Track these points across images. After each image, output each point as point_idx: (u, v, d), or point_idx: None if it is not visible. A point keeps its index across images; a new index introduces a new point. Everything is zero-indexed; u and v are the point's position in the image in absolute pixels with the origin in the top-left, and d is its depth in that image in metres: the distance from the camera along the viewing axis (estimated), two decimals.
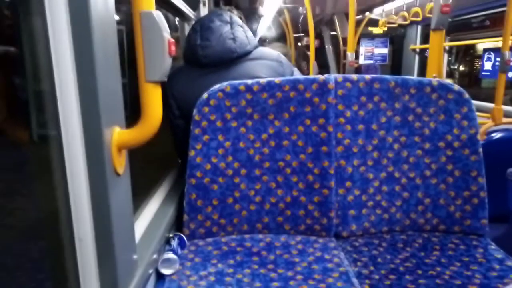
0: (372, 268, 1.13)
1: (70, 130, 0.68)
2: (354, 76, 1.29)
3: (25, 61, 0.72)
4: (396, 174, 1.31)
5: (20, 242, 0.86)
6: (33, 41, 0.69)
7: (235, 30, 1.41)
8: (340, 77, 1.28)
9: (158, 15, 0.70)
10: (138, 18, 0.70)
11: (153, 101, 0.75)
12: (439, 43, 1.58)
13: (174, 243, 1.16)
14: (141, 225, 1.07)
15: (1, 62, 0.76)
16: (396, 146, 1.31)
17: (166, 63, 0.72)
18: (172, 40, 0.73)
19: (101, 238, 0.74)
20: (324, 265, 1.13)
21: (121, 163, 0.77)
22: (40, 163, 0.78)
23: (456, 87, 1.27)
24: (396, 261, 1.16)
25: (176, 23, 2.20)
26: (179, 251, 1.16)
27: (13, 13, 0.78)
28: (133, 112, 0.88)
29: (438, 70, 1.69)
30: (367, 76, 1.28)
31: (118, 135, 0.74)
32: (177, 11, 1.91)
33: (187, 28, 2.16)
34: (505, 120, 2.30)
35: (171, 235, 1.21)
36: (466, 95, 1.27)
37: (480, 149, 1.28)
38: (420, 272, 1.10)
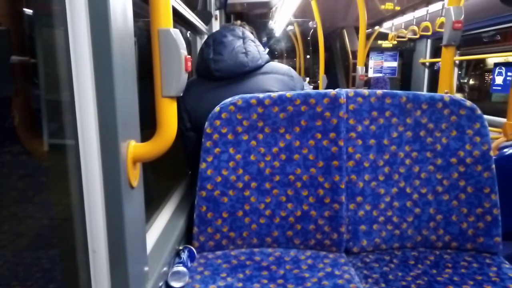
0: (383, 285, 1.12)
1: (87, 143, 0.70)
2: (366, 91, 1.29)
3: (46, 75, 0.75)
4: (408, 190, 1.30)
5: (33, 252, 0.87)
6: (54, 55, 0.72)
7: (247, 44, 1.43)
8: (351, 91, 1.29)
9: (176, 33, 0.72)
10: (156, 35, 0.71)
11: (168, 116, 0.76)
12: (451, 58, 1.58)
13: (184, 255, 1.16)
14: (151, 237, 1.08)
15: (23, 75, 0.78)
16: (407, 161, 1.30)
17: (182, 79, 0.74)
18: (189, 56, 0.75)
19: (114, 250, 0.74)
20: (334, 281, 1.12)
21: (135, 176, 0.78)
22: (57, 173, 0.80)
23: (469, 103, 1.27)
24: (408, 278, 1.15)
25: (188, 36, 2.24)
26: (189, 264, 1.16)
27: (35, 27, 0.81)
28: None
29: (450, 86, 1.69)
30: (379, 91, 1.29)
31: (133, 148, 0.76)
32: (190, 26, 1.95)
33: (199, 42, 2.20)
34: None
35: (181, 248, 1.21)
36: (479, 111, 1.26)
37: (493, 166, 1.26)
38: None
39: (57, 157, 0.79)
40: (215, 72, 1.39)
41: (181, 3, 1.59)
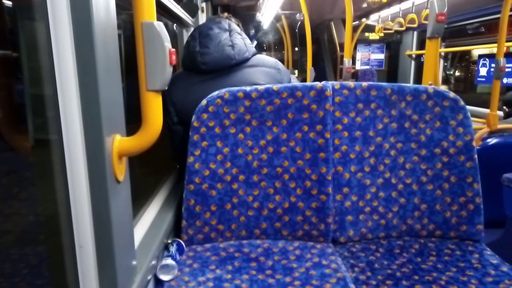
0: (369, 273, 1.14)
1: (71, 138, 0.69)
2: (351, 84, 1.30)
3: (27, 68, 0.73)
4: (393, 180, 1.33)
5: (19, 248, 0.87)
6: (36, 49, 0.70)
7: (234, 37, 1.43)
8: (337, 84, 1.30)
9: (160, 26, 0.71)
10: (140, 28, 0.71)
11: (153, 110, 0.76)
12: (435, 50, 1.60)
13: (173, 249, 1.17)
14: (140, 231, 1.08)
15: (4, 69, 0.77)
16: (392, 152, 1.32)
17: (167, 73, 0.73)
18: (173, 49, 0.74)
19: (101, 245, 0.74)
20: (321, 270, 1.14)
21: (121, 170, 0.78)
22: (42, 169, 0.79)
23: (452, 94, 1.29)
24: (393, 266, 1.17)
25: (175, 29, 2.22)
26: (178, 257, 1.17)
27: (16, 19, 0.79)
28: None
29: (434, 77, 1.71)
30: (364, 84, 1.30)
31: (118, 142, 0.75)
32: (176, 18, 1.93)
33: (185, 34, 2.18)
34: (500, 126, 2.33)
35: (169, 241, 1.22)
36: (462, 102, 1.29)
37: (476, 156, 1.29)
38: (416, 277, 1.11)
39: (41, 152, 0.78)
40: (201, 65, 1.39)
41: None
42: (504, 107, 2.94)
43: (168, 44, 0.73)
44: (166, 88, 0.76)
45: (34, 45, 0.70)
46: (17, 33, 0.74)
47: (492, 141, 2.14)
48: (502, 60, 2.25)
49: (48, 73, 0.68)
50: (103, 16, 0.69)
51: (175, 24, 2.15)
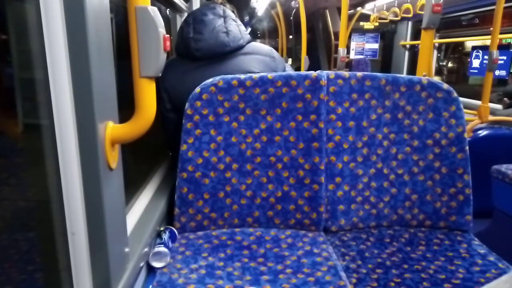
0: (359, 262, 1.16)
1: (63, 125, 0.68)
2: (346, 73, 1.30)
3: (18, 52, 0.72)
4: (385, 171, 1.34)
5: (10, 234, 0.86)
6: (26, 32, 0.69)
7: (228, 24, 1.41)
8: (332, 74, 1.29)
9: (154, 11, 0.70)
10: (133, 13, 0.69)
11: (147, 96, 0.75)
12: (430, 41, 1.60)
13: (165, 236, 1.17)
14: (132, 218, 1.08)
15: None
16: (385, 143, 1.33)
17: (161, 59, 0.72)
18: (167, 35, 0.73)
19: (93, 232, 0.74)
20: (313, 259, 1.15)
21: (114, 157, 0.77)
22: (33, 155, 0.78)
23: (446, 86, 1.29)
24: (383, 255, 1.19)
25: (168, 14, 2.18)
26: (170, 245, 1.17)
27: (6, 2, 0.77)
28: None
29: (428, 68, 1.71)
30: (359, 74, 1.30)
31: (111, 129, 0.74)
32: (169, 3, 1.89)
33: (179, 20, 2.14)
34: (491, 118, 2.36)
35: (162, 229, 1.22)
36: (455, 94, 1.29)
37: (467, 147, 1.31)
38: (406, 266, 1.13)
39: (32, 138, 0.76)
40: (195, 52, 1.37)
41: None
42: (505, 99, 2.97)
43: (162, 29, 0.72)
44: (160, 74, 0.75)
45: (24, 28, 0.68)
46: (6, 16, 0.72)
47: (482, 132, 2.16)
48: (495, 52, 2.26)
49: (39, 57, 0.66)
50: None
51: (168, 9, 2.11)
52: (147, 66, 0.72)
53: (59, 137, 0.69)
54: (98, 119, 0.70)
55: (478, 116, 2.35)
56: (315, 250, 1.20)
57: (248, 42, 1.45)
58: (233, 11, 1.53)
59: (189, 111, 1.24)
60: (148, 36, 0.71)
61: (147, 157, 1.70)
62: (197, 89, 1.24)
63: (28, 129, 0.76)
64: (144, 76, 0.73)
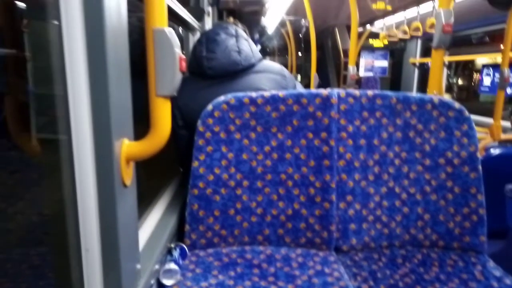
0: (371, 283, 1.14)
1: (81, 141, 0.70)
2: (357, 92, 1.31)
3: (41, 72, 0.74)
4: (397, 189, 1.33)
5: (25, 249, 0.87)
6: (49, 53, 0.71)
7: (240, 43, 1.43)
8: (343, 92, 1.30)
9: (170, 32, 0.72)
10: (151, 35, 0.72)
11: (162, 115, 0.76)
12: (440, 61, 1.61)
13: (176, 253, 1.17)
14: (143, 234, 1.08)
15: (19, 73, 0.77)
16: (397, 161, 1.32)
17: (177, 79, 0.74)
18: (183, 56, 0.75)
19: (107, 248, 0.75)
20: (324, 279, 1.13)
21: (129, 174, 0.78)
22: (50, 171, 0.80)
23: (457, 105, 1.29)
24: (396, 276, 1.17)
25: (180, 32, 2.23)
26: (180, 262, 1.17)
27: (30, 21, 0.80)
28: None
29: (439, 87, 1.71)
30: (370, 92, 1.31)
31: (127, 147, 0.76)
32: (182, 22, 1.94)
33: (191, 38, 2.19)
34: (503, 136, 2.33)
35: (172, 245, 1.22)
36: (467, 113, 1.29)
37: (480, 167, 1.29)
38: None
39: (51, 155, 0.78)
40: (208, 70, 1.39)
41: None
42: None
43: (178, 50, 0.74)
44: (176, 94, 0.76)
45: (47, 49, 0.71)
46: (31, 38, 0.75)
47: (495, 151, 2.14)
48: (506, 71, 2.25)
49: (60, 76, 0.68)
50: (115, 20, 0.69)
51: (181, 28, 2.16)
52: (163, 85, 0.74)
53: (76, 154, 0.70)
54: (115, 137, 0.71)
55: (490, 134, 2.33)
56: (326, 270, 1.18)
57: (260, 60, 1.48)
58: (244, 31, 1.56)
59: (201, 128, 1.25)
60: (164, 56, 0.73)
61: (158, 172, 1.71)
62: (209, 107, 1.26)
63: (46, 146, 0.78)
64: (160, 95, 0.74)
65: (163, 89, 0.74)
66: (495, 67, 3.63)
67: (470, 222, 1.30)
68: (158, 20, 0.72)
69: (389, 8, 4.26)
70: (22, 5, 0.86)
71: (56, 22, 0.66)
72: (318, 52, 5.56)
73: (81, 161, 0.70)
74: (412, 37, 4.47)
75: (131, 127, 0.81)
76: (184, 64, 0.75)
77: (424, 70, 5.45)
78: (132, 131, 0.81)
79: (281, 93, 1.28)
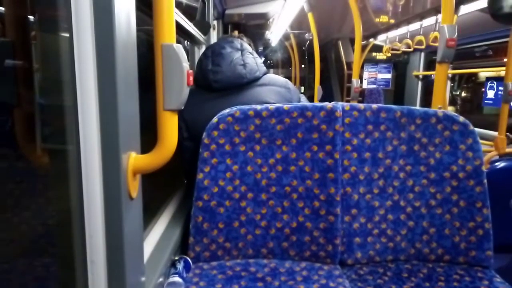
0: None
1: (89, 154, 0.70)
2: (361, 105, 1.32)
3: (51, 84, 0.75)
4: (402, 203, 1.32)
5: (31, 260, 0.87)
6: (59, 65, 0.72)
7: (246, 56, 1.45)
8: (347, 105, 1.31)
9: (178, 48, 0.73)
10: (159, 50, 0.73)
11: (169, 129, 0.77)
12: (444, 75, 1.61)
13: (180, 266, 1.16)
14: (148, 247, 1.08)
15: (28, 85, 0.79)
16: (401, 175, 1.32)
17: (184, 93, 0.75)
18: (191, 71, 0.76)
19: (112, 260, 0.75)
20: None
21: (135, 187, 0.79)
22: (58, 182, 0.80)
23: (462, 118, 1.29)
24: None
25: (186, 45, 2.26)
26: (185, 275, 1.16)
27: (41, 33, 0.82)
28: None
29: (443, 101, 1.72)
30: (374, 105, 1.31)
31: (134, 160, 0.76)
32: (188, 36, 1.97)
33: (197, 52, 2.22)
34: (508, 149, 2.32)
35: (176, 258, 1.21)
36: (471, 127, 1.29)
37: (485, 181, 1.29)
38: None
39: (59, 166, 0.79)
40: (213, 83, 1.41)
41: (180, 13, 1.61)
42: None
43: (186, 65, 0.75)
44: (183, 107, 0.77)
45: (57, 60, 0.72)
46: (41, 49, 0.76)
47: (500, 164, 2.13)
48: (510, 84, 2.25)
49: (70, 89, 0.69)
50: (125, 34, 0.71)
51: (187, 41, 2.19)
52: (171, 99, 0.75)
53: (84, 166, 0.71)
54: (122, 150, 0.72)
55: (494, 147, 2.32)
56: (331, 284, 1.17)
57: (264, 73, 1.49)
58: (250, 44, 1.59)
59: (206, 140, 1.26)
60: (172, 71, 0.74)
61: (163, 184, 1.72)
62: (215, 119, 1.27)
63: (55, 158, 0.79)
64: (167, 109, 0.75)
65: (171, 103, 0.75)
66: (499, 80, 3.63)
67: (476, 236, 1.29)
68: (167, 36, 0.73)
69: (392, 21, 4.30)
70: (33, 17, 0.87)
71: (67, 35, 0.68)
72: (322, 64, 5.59)
73: (88, 173, 0.71)
74: (415, 49, 4.49)
75: (138, 141, 0.82)
76: (191, 79, 0.76)
77: (427, 83, 5.46)
78: (139, 144, 0.82)
79: (286, 106, 1.29)
